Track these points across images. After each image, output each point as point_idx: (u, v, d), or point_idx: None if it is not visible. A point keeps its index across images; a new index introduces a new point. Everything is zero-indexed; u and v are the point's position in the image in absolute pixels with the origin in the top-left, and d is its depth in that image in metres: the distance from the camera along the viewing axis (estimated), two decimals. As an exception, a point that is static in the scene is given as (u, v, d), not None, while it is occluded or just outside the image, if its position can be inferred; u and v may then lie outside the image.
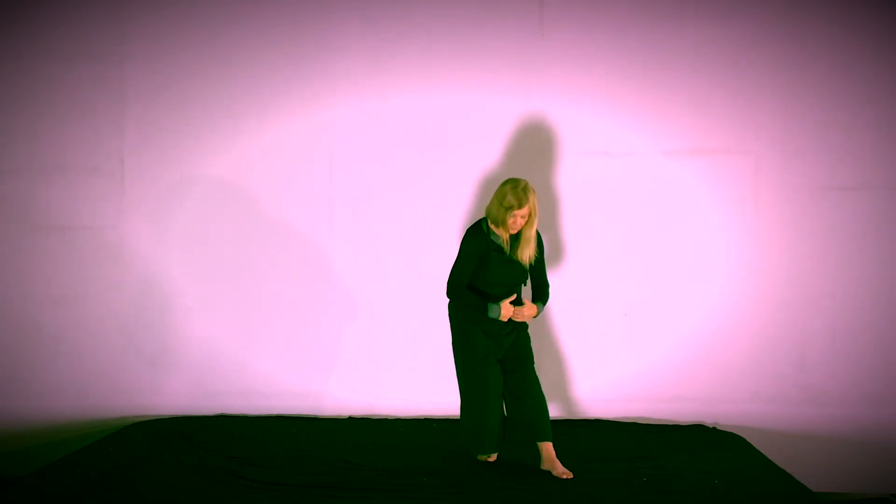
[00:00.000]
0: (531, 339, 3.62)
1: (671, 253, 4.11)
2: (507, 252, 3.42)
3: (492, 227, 3.42)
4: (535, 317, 3.50)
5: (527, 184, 3.36)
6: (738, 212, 4.08)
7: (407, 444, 3.74)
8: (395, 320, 4.20)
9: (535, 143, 4.12)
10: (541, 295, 3.56)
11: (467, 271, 3.40)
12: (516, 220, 3.34)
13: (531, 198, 3.33)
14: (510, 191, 3.33)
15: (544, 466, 3.37)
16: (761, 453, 3.65)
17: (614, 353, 4.14)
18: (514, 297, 3.45)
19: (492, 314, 3.37)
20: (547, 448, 3.39)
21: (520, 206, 3.30)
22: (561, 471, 3.31)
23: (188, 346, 4.22)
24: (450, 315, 3.54)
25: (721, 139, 4.08)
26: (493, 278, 3.41)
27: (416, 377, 4.19)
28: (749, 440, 3.88)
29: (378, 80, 4.16)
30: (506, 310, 3.39)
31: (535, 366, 3.53)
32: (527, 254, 3.42)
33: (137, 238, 4.21)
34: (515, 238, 3.44)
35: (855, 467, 4.02)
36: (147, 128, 4.21)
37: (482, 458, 3.52)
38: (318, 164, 4.19)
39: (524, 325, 3.57)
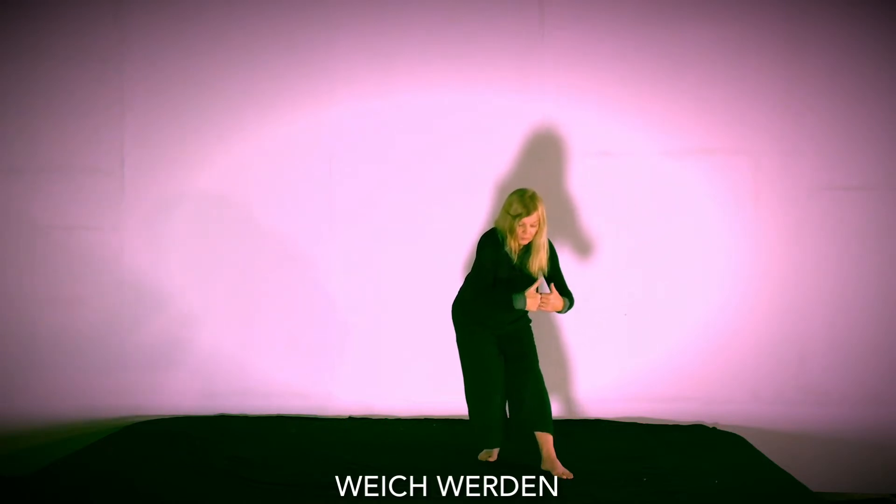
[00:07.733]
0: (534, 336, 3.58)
1: (671, 253, 4.11)
2: (515, 261, 3.36)
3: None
4: (561, 311, 3.37)
5: (534, 192, 3.33)
6: (738, 212, 4.08)
7: (407, 444, 3.73)
8: (396, 321, 4.19)
9: (534, 142, 4.12)
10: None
11: (488, 276, 3.36)
12: (525, 228, 3.29)
13: (539, 206, 3.29)
14: (517, 199, 3.30)
15: (544, 467, 3.36)
16: (761, 453, 3.64)
17: (614, 353, 4.14)
18: (537, 284, 3.34)
19: (517, 305, 3.28)
20: (547, 446, 3.37)
21: (528, 214, 3.27)
22: (561, 471, 3.30)
23: (188, 346, 4.21)
24: (453, 315, 3.54)
25: (721, 139, 4.08)
26: (501, 287, 3.36)
27: (415, 377, 4.19)
28: (749, 440, 3.88)
29: (378, 80, 4.16)
30: (532, 298, 3.28)
31: (538, 361, 3.48)
32: (536, 263, 3.36)
33: (137, 238, 4.21)
34: (526, 249, 3.38)
35: (855, 467, 4.02)
36: (147, 128, 4.20)
37: (483, 458, 3.52)
38: (318, 164, 4.19)
39: (526, 320, 3.53)
